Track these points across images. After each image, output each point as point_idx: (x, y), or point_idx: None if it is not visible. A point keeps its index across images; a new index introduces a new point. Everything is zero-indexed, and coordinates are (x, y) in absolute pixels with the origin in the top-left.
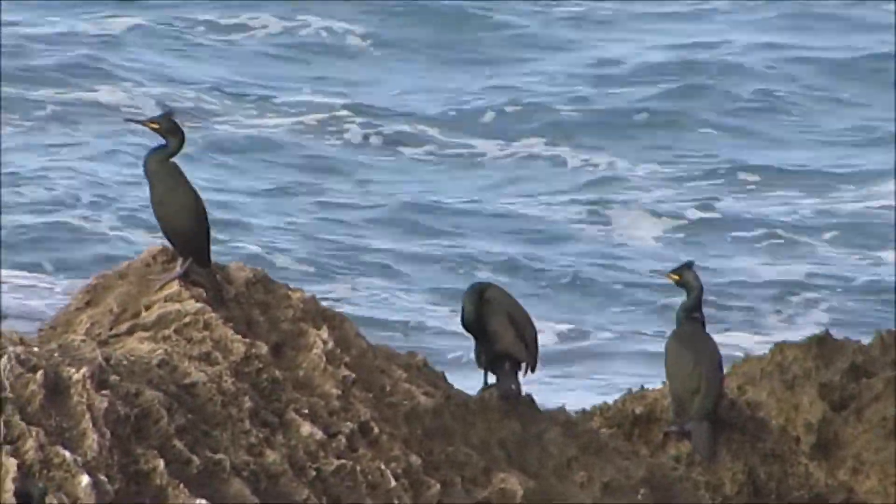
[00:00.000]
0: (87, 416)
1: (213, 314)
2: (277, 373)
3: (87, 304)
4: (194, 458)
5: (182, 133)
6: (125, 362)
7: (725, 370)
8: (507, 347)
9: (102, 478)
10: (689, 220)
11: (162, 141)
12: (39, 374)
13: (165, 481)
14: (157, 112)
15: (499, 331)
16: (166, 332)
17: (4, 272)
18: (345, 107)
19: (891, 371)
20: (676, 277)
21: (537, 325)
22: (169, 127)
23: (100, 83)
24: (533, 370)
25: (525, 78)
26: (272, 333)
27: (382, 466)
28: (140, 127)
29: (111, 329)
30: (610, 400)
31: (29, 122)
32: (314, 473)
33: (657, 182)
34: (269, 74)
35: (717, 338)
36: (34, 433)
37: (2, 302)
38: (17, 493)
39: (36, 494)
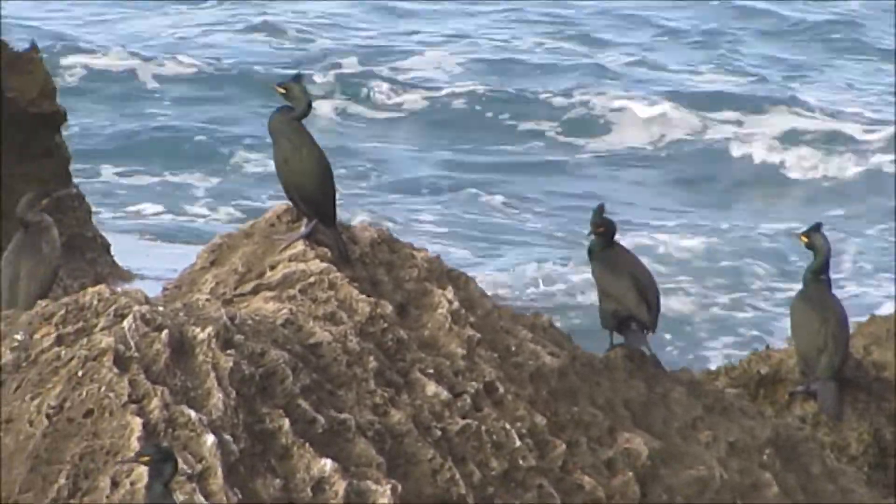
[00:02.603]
0: (212, 375)
1: (337, 274)
2: (402, 332)
3: (212, 263)
4: (319, 417)
5: (309, 98)
6: (250, 322)
7: (851, 330)
8: (631, 309)
9: (227, 437)
10: None
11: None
12: (164, 333)
13: (290, 441)
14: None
15: (622, 292)
16: (291, 291)
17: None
18: None
19: None
20: (805, 239)
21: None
22: (297, 92)
23: None
24: (653, 331)
25: None
26: (397, 293)
27: (507, 426)
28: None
29: (236, 288)
30: (735, 360)
31: None
32: (439, 433)
33: None
34: None
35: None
36: (159, 392)
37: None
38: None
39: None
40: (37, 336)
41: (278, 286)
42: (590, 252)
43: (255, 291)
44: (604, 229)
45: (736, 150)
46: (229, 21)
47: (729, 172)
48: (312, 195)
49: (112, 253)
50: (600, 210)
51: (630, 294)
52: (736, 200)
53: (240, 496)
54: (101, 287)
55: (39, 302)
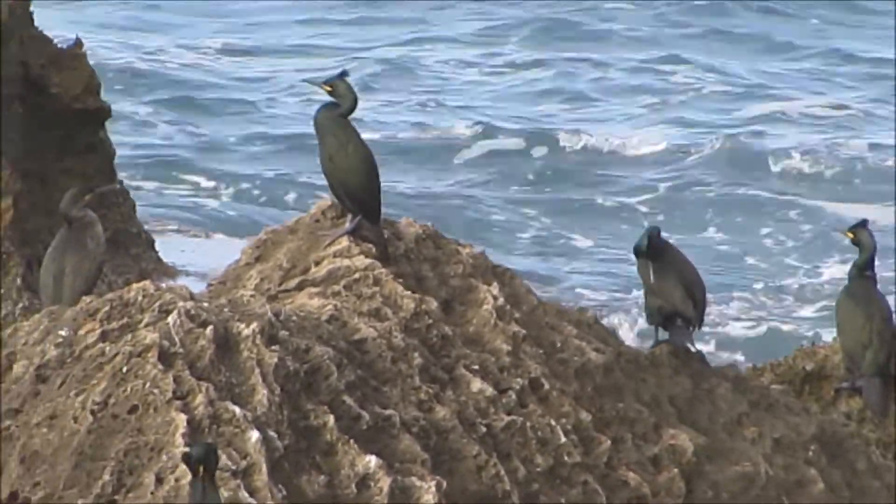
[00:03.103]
0: (257, 371)
1: (382, 270)
2: (447, 329)
3: (257, 259)
4: (364, 413)
5: (355, 95)
6: (294, 318)
7: None
8: (676, 305)
9: (272, 433)
10: None
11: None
12: (209, 329)
13: (335, 437)
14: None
15: (668, 288)
16: (336, 287)
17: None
18: None
19: None
20: (851, 235)
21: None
22: (342, 90)
23: None
24: (699, 328)
25: None
26: (442, 289)
27: (553, 423)
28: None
29: (280, 284)
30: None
31: None
32: (484, 429)
33: None
34: None
35: None
36: (204, 389)
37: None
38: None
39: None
40: (81, 332)
41: (323, 282)
42: (636, 251)
43: (300, 287)
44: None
45: None
46: None
47: None
48: (357, 192)
49: (157, 248)
50: (656, 233)
51: (676, 291)
52: None
53: (284, 493)
54: (146, 283)
55: (84, 298)
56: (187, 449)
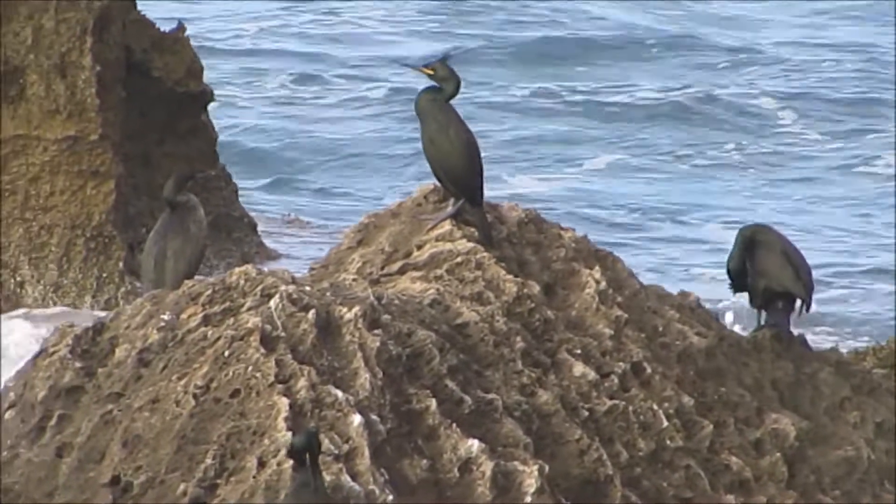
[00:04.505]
0: (359, 355)
1: (485, 254)
2: (549, 313)
3: (359, 243)
4: (466, 397)
5: (457, 78)
6: (397, 302)
7: None
8: (785, 285)
9: (374, 417)
10: None
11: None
12: (311, 313)
13: (437, 421)
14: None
15: (775, 269)
16: (438, 271)
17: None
18: None
19: None
20: None
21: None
22: (444, 73)
23: None
24: (808, 309)
25: None
26: (544, 273)
27: (655, 407)
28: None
29: (383, 268)
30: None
31: None
32: (586, 413)
33: None
34: None
35: None
36: (306, 372)
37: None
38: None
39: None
40: (183, 316)
41: (425, 266)
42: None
43: (402, 271)
44: None
45: None
46: None
47: None
48: (459, 175)
49: (259, 233)
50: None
51: (785, 271)
52: None
53: (386, 477)
54: (248, 267)
55: (186, 282)
56: (291, 439)
